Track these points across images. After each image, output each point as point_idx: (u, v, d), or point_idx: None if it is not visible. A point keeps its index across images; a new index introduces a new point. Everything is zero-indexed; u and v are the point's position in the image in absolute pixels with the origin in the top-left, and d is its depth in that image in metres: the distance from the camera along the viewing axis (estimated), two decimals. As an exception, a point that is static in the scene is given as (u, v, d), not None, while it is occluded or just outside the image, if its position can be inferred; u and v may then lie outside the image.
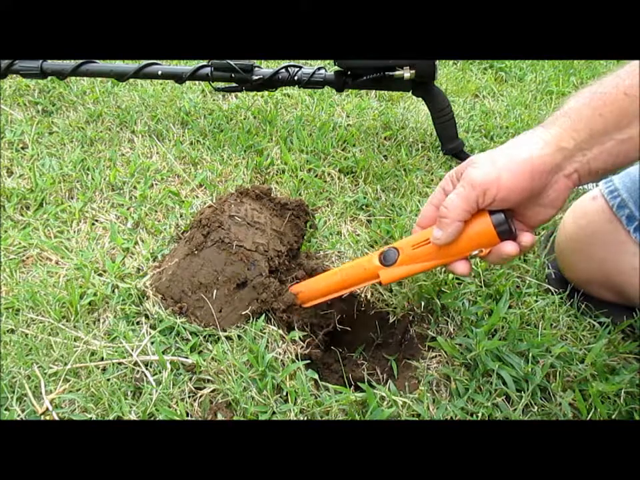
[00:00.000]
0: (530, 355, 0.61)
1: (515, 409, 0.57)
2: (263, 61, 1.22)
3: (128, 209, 0.84)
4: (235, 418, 0.55)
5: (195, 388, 0.58)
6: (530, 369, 0.60)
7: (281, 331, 0.64)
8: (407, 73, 0.97)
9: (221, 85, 1.06)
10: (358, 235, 0.83)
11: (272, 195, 0.79)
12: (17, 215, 0.82)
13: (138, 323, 0.65)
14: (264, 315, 0.65)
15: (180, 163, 0.96)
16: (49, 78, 1.11)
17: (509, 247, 0.51)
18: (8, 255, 0.74)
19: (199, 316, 0.65)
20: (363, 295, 0.73)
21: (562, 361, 0.62)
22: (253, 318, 0.65)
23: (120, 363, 0.59)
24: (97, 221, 0.83)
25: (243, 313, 0.65)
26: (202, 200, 0.87)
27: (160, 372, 0.59)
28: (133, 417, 0.54)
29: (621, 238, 0.64)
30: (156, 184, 0.91)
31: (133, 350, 0.61)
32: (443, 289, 0.71)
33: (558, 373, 0.60)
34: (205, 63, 1.03)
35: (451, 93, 1.36)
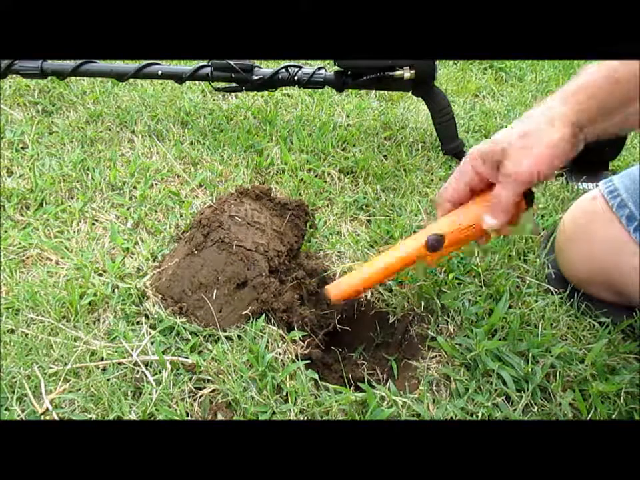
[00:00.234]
0: (530, 354, 0.61)
1: (515, 409, 0.57)
2: (263, 60, 1.22)
3: (128, 209, 0.84)
4: (235, 418, 0.55)
5: (195, 388, 0.58)
6: (530, 369, 0.60)
7: (280, 331, 0.64)
8: (407, 73, 0.97)
9: (221, 85, 1.06)
10: (358, 234, 0.83)
11: (272, 194, 0.79)
12: (17, 215, 0.82)
13: (138, 323, 0.65)
14: (264, 315, 0.65)
15: (180, 163, 0.96)
16: (49, 78, 1.11)
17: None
18: (8, 255, 0.74)
19: (198, 316, 0.65)
20: (362, 295, 0.73)
21: (562, 361, 0.62)
22: (253, 318, 0.65)
23: (120, 363, 0.59)
24: (96, 220, 0.83)
25: (243, 313, 0.65)
26: (202, 200, 0.87)
27: (160, 372, 0.59)
28: (133, 416, 0.54)
29: (620, 238, 0.64)
30: (156, 184, 0.91)
31: (132, 350, 0.61)
32: (443, 288, 0.71)
33: (558, 373, 0.60)
34: (205, 62, 1.03)
35: (451, 93, 1.36)
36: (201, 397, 0.57)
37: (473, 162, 0.57)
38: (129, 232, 0.80)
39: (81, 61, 1.02)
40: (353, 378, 0.64)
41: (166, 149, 0.99)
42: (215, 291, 0.65)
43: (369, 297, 0.74)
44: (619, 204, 0.64)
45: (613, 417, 0.56)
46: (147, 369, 0.59)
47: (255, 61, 1.06)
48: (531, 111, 0.55)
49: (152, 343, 0.62)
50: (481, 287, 0.72)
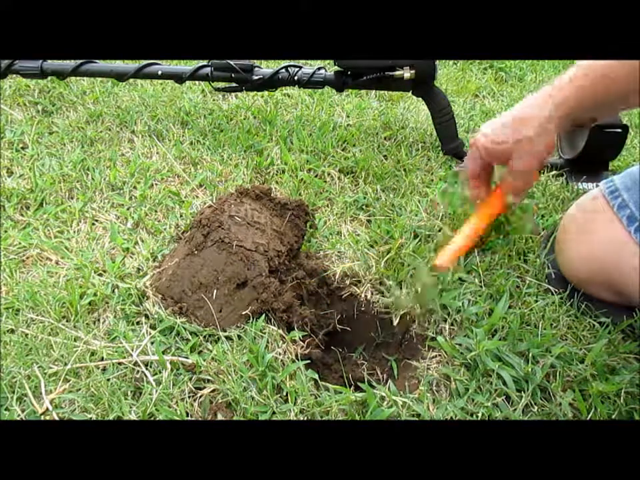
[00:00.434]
0: (530, 354, 0.61)
1: (515, 409, 0.57)
2: (263, 60, 1.22)
3: (128, 209, 0.84)
4: (235, 418, 0.55)
5: (195, 388, 0.58)
6: (530, 369, 0.60)
7: (280, 331, 0.64)
8: (407, 73, 0.97)
9: (221, 85, 1.06)
10: (358, 234, 0.83)
11: (272, 194, 0.79)
12: (17, 215, 0.82)
13: (138, 323, 0.65)
14: (264, 315, 0.65)
15: (180, 163, 0.96)
16: (49, 78, 1.11)
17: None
18: (8, 255, 0.74)
19: (198, 316, 0.65)
20: (363, 295, 0.73)
21: (562, 361, 0.62)
22: (253, 318, 0.65)
23: (120, 363, 0.59)
24: (96, 220, 0.83)
25: (243, 313, 0.65)
26: (202, 200, 0.87)
27: (160, 372, 0.59)
28: (133, 416, 0.54)
29: (621, 238, 0.64)
30: (156, 184, 0.91)
31: (133, 350, 0.61)
32: (443, 288, 0.71)
33: (558, 373, 0.60)
34: (205, 62, 1.03)
35: (451, 93, 1.36)
36: (201, 397, 0.57)
37: (480, 150, 0.62)
38: (129, 232, 0.80)
39: (81, 61, 1.02)
40: (353, 378, 0.64)
41: (166, 148, 0.99)
42: (215, 291, 0.65)
43: (369, 297, 0.74)
44: (620, 204, 0.64)
45: (613, 417, 0.57)
46: (147, 368, 0.59)
47: (255, 60, 1.06)
48: (527, 103, 0.60)
49: (152, 343, 0.62)
50: (481, 286, 0.72)
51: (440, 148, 1.06)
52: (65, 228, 0.80)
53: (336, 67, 1.02)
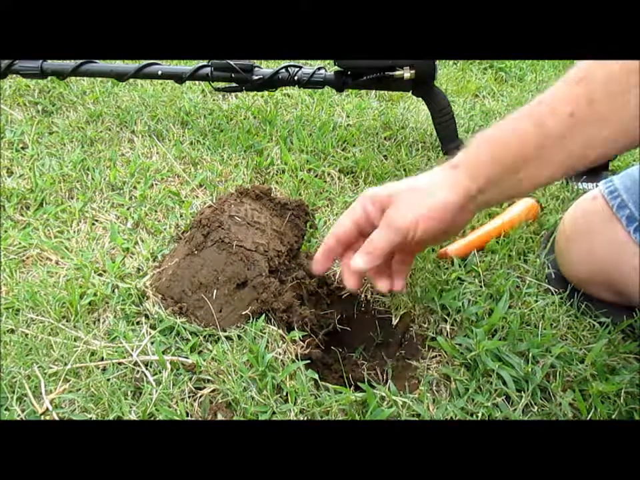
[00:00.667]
0: (530, 354, 0.61)
1: (515, 409, 0.57)
2: (263, 60, 1.22)
3: (128, 209, 0.84)
4: (235, 418, 0.55)
5: (195, 388, 0.58)
6: (530, 369, 0.60)
7: (280, 331, 0.64)
8: (407, 73, 0.97)
9: (221, 85, 1.06)
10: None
11: (272, 194, 0.79)
12: (17, 215, 0.82)
13: (138, 323, 0.65)
14: (264, 315, 0.65)
15: (180, 163, 0.96)
16: (49, 78, 1.11)
17: (383, 284, 0.60)
18: (8, 255, 0.74)
19: (198, 316, 0.64)
20: (363, 295, 0.73)
21: (562, 361, 0.62)
22: (253, 318, 0.65)
23: (120, 363, 0.59)
24: (96, 220, 0.83)
25: (243, 313, 0.65)
26: (202, 200, 0.87)
27: (160, 372, 0.59)
28: (133, 416, 0.54)
29: (620, 238, 0.64)
30: (156, 184, 0.91)
31: (133, 350, 0.61)
32: (443, 288, 0.71)
33: (558, 373, 0.60)
34: (205, 62, 1.03)
35: (451, 93, 1.36)
36: (201, 396, 0.57)
37: (363, 201, 0.57)
38: (129, 232, 0.80)
39: (81, 61, 1.02)
40: (353, 378, 0.64)
41: (166, 149, 0.99)
42: (215, 291, 0.65)
43: (368, 297, 0.74)
44: (619, 204, 0.64)
45: (613, 417, 0.56)
46: (147, 368, 0.59)
47: (255, 61, 1.06)
48: (434, 169, 0.55)
49: (152, 343, 0.62)
50: (481, 287, 0.72)
51: (440, 148, 1.06)
52: (65, 228, 0.80)
53: (336, 66, 1.02)
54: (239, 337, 0.63)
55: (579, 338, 0.67)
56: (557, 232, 0.75)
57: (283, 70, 1.02)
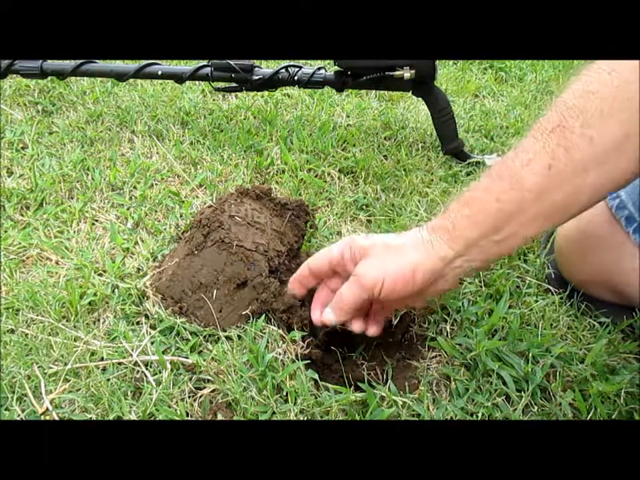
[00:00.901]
0: (530, 354, 0.61)
1: (515, 409, 0.57)
2: (263, 60, 1.22)
3: (128, 209, 0.84)
4: (235, 418, 0.55)
5: (195, 388, 0.58)
6: (530, 369, 0.59)
7: (280, 331, 0.64)
8: (407, 73, 0.97)
9: (221, 85, 1.06)
10: (358, 235, 0.83)
11: (272, 194, 0.79)
12: (17, 215, 0.82)
13: (138, 323, 0.65)
14: (264, 315, 0.65)
15: (180, 163, 0.96)
16: (49, 78, 1.11)
17: (355, 326, 0.61)
18: (8, 254, 0.74)
19: (199, 316, 0.64)
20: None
21: (562, 361, 0.62)
22: (253, 318, 0.65)
23: (120, 363, 0.59)
24: (97, 220, 0.83)
25: (243, 313, 0.65)
26: (202, 200, 0.87)
27: (160, 372, 0.59)
28: (133, 416, 0.54)
29: (620, 239, 0.64)
30: (156, 184, 0.91)
31: (133, 350, 0.61)
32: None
33: (558, 373, 0.60)
34: (205, 62, 1.03)
35: (451, 93, 1.36)
36: (201, 396, 0.57)
37: (343, 245, 0.58)
38: (129, 232, 0.80)
39: (81, 61, 1.02)
40: (353, 378, 0.64)
41: (166, 149, 0.99)
42: (215, 291, 0.65)
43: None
44: (618, 205, 0.64)
45: (613, 417, 0.56)
46: (147, 368, 0.59)
47: (255, 60, 1.06)
48: (415, 228, 0.56)
49: (152, 343, 0.62)
50: (481, 287, 0.72)
51: (440, 148, 1.06)
52: (65, 228, 0.80)
53: (336, 66, 1.02)
54: (239, 337, 0.63)
55: (579, 338, 0.67)
56: (556, 232, 0.75)
57: (283, 70, 1.02)
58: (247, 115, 1.14)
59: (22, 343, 0.61)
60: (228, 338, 0.63)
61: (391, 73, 0.97)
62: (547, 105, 1.34)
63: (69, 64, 1.03)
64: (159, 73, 1.03)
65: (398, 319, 0.71)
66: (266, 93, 1.20)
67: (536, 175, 0.47)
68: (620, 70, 0.45)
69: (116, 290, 0.69)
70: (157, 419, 0.54)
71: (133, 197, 0.88)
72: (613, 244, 0.65)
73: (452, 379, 0.61)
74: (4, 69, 1.02)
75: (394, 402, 0.57)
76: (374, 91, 1.30)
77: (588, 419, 0.57)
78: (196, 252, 0.67)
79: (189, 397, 0.57)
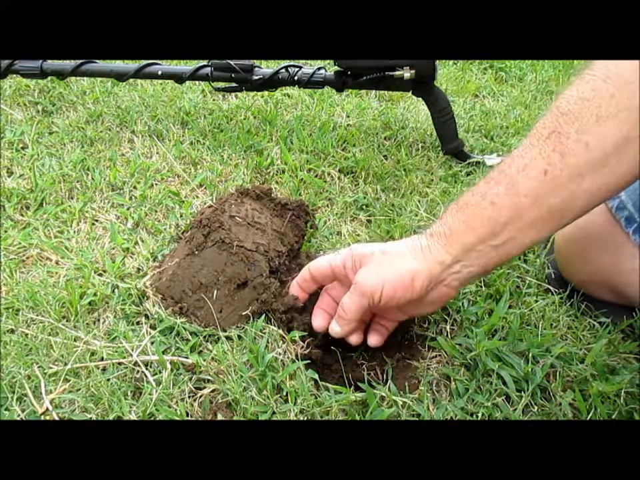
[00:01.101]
0: (530, 354, 0.61)
1: (515, 409, 0.57)
2: (263, 60, 1.22)
3: (128, 209, 0.84)
4: (235, 418, 0.55)
5: (195, 388, 0.58)
6: (530, 369, 0.60)
7: (280, 331, 0.64)
8: (406, 73, 0.96)
9: (221, 85, 1.06)
10: (358, 235, 0.83)
11: (272, 195, 0.79)
12: (17, 215, 0.82)
13: (138, 323, 0.65)
14: (264, 315, 0.65)
15: (180, 163, 0.96)
16: (49, 78, 1.11)
17: (353, 338, 0.62)
18: (8, 254, 0.74)
19: (199, 316, 0.64)
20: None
21: (562, 361, 0.62)
22: (253, 318, 0.65)
23: (120, 363, 0.59)
24: (96, 220, 0.83)
25: (243, 313, 0.65)
26: (202, 200, 0.87)
27: (160, 372, 0.59)
28: (133, 416, 0.54)
29: (619, 239, 0.64)
30: (156, 184, 0.91)
31: (133, 350, 0.61)
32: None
33: (558, 373, 0.60)
34: (205, 62, 1.03)
35: (451, 93, 1.36)
36: (201, 396, 0.57)
37: (345, 255, 0.58)
38: (129, 232, 0.80)
39: (81, 61, 1.02)
40: (353, 378, 0.64)
41: (166, 149, 0.99)
42: (215, 291, 0.65)
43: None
44: (618, 205, 0.64)
45: (613, 417, 0.56)
46: (147, 368, 0.59)
47: (255, 61, 1.06)
48: (413, 235, 0.56)
49: (152, 343, 0.62)
50: (481, 287, 0.72)
51: (440, 148, 1.06)
52: (65, 228, 0.80)
53: (336, 66, 1.02)
54: (239, 337, 0.63)
55: (579, 338, 0.67)
56: (556, 232, 0.75)
57: (283, 70, 1.02)
58: (246, 115, 1.14)
59: (22, 343, 0.61)
60: (228, 338, 0.63)
61: (390, 73, 0.97)
62: (547, 105, 1.34)
63: (68, 64, 1.03)
64: (159, 73, 1.03)
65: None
66: (266, 92, 1.20)
67: (532, 180, 0.47)
68: (616, 75, 0.45)
69: (116, 290, 0.69)
70: (157, 419, 0.54)
71: (133, 197, 0.88)
72: (613, 244, 0.65)
73: (452, 378, 0.61)
74: (4, 69, 1.02)
75: (394, 402, 0.57)
76: (374, 91, 1.30)
77: (588, 419, 0.57)
78: (196, 252, 0.67)
79: (189, 397, 0.57)
